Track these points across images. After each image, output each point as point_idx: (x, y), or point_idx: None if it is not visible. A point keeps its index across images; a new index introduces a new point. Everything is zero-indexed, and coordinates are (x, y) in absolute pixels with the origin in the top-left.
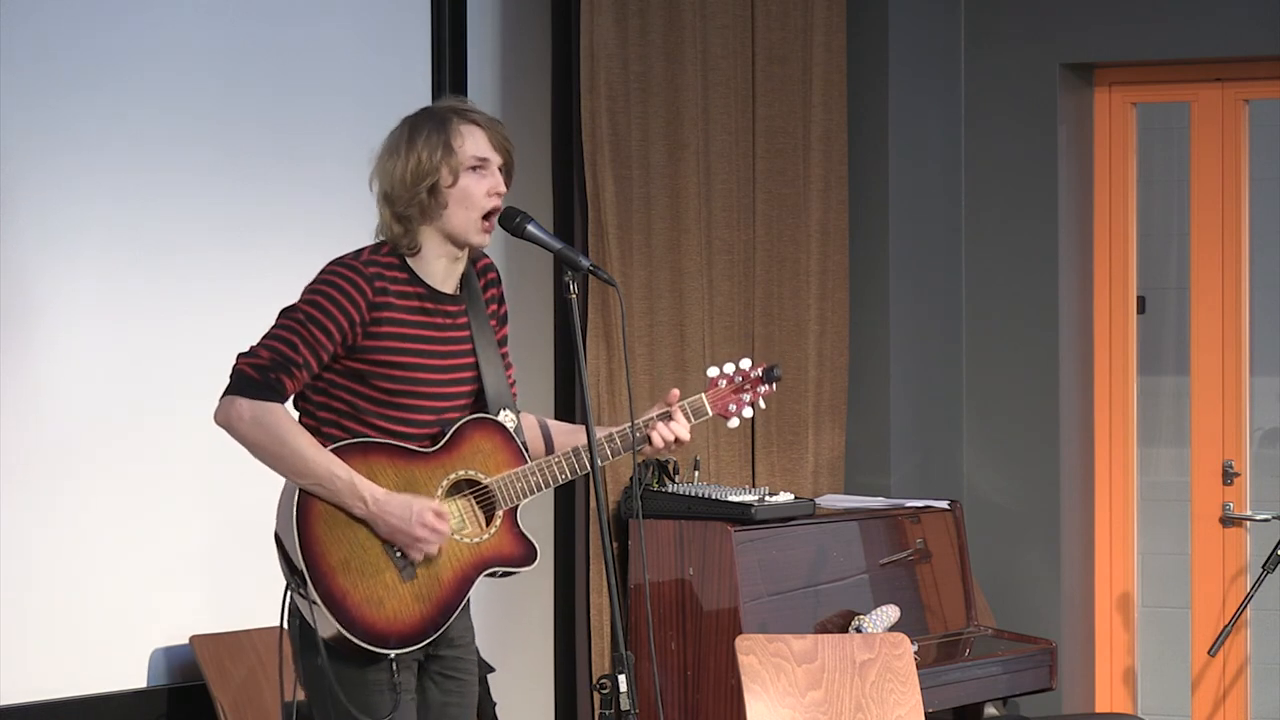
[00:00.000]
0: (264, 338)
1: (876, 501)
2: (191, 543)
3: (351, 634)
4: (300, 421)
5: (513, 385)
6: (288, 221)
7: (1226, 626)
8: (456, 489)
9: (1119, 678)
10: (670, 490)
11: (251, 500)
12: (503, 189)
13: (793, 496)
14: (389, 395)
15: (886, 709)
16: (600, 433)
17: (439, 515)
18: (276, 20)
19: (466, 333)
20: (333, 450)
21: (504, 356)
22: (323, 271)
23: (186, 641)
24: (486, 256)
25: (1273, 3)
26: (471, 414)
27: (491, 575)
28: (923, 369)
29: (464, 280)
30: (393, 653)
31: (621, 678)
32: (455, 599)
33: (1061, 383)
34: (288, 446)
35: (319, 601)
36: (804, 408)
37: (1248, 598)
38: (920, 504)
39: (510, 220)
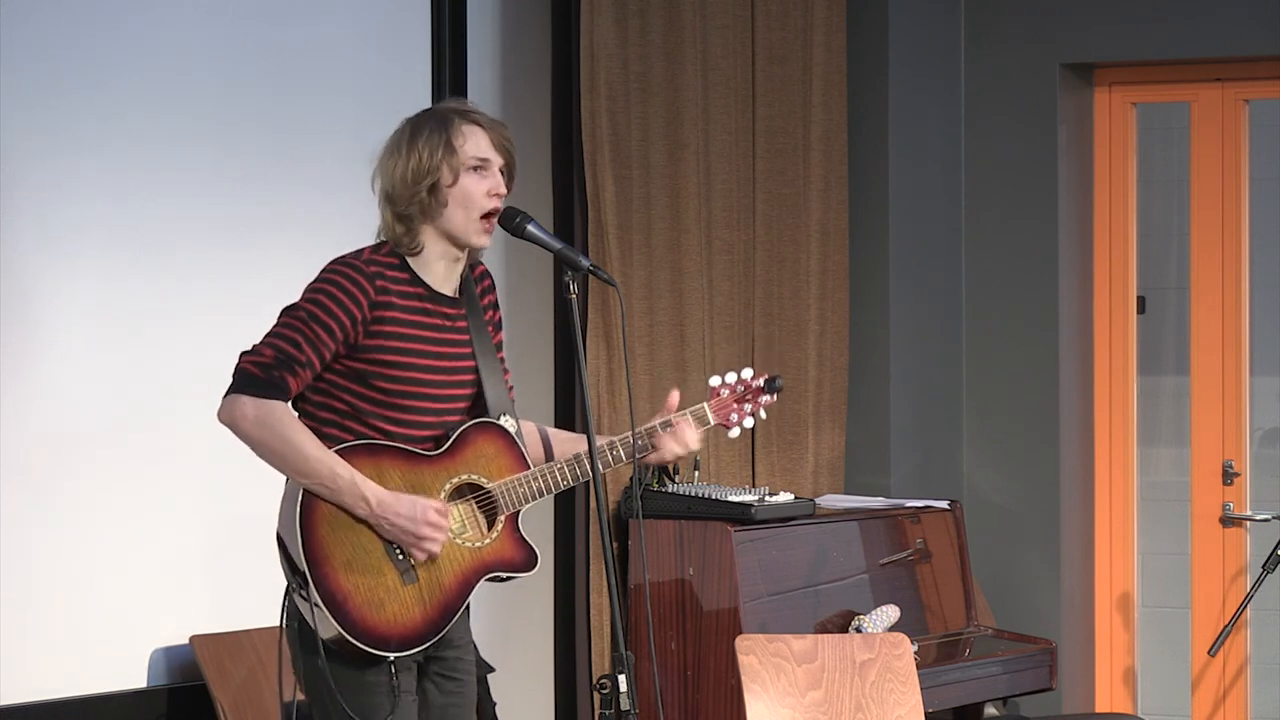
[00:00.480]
0: (267, 336)
1: (876, 501)
2: (192, 543)
3: (352, 636)
4: (301, 422)
5: (510, 392)
6: (288, 221)
7: (1226, 626)
8: (459, 493)
9: (1119, 678)
10: (670, 490)
11: (252, 500)
12: (503, 190)
13: (793, 496)
14: (389, 396)
15: (886, 709)
16: (602, 440)
17: (441, 513)
18: (276, 20)
19: (466, 336)
20: (341, 451)
21: (501, 362)
22: (324, 270)
23: (186, 641)
24: (482, 264)
25: (1273, 3)
26: (473, 417)
27: (492, 580)
28: (923, 369)
29: (462, 285)
30: (392, 655)
31: (621, 678)
32: (456, 602)
33: (1061, 383)
34: (290, 445)
35: (320, 603)
36: (804, 408)
37: (1248, 598)
38: (920, 504)
39: (510, 220)
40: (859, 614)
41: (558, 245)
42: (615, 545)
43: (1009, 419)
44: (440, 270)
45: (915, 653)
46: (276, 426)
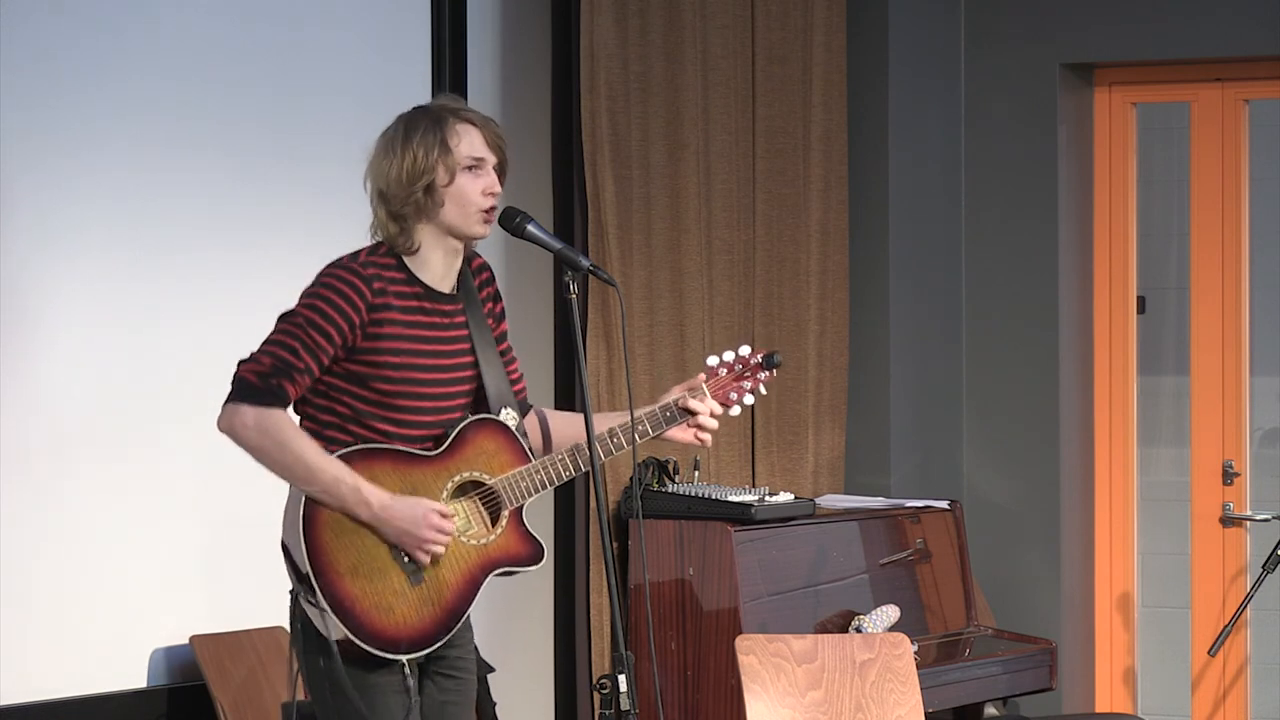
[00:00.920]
0: (264, 344)
1: (876, 501)
2: (191, 543)
3: (361, 640)
4: (302, 426)
5: (520, 380)
6: (287, 222)
7: (1226, 626)
8: (461, 491)
9: (1119, 678)
10: (670, 490)
11: (252, 500)
12: (498, 189)
13: (793, 496)
14: (389, 397)
15: (886, 709)
16: (601, 426)
17: (444, 516)
18: (276, 21)
19: (465, 332)
20: (345, 454)
21: (505, 353)
22: (320, 275)
23: (186, 641)
24: (480, 256)
25: (1273, 3)
26: (473, 414)
27: (500, 575)
28: (923, 369)
29: (460, 280)
30: (404, 658)
31: (621, 678)
32: (464, 601)
33: (1061, 383)
34: (291, 453)
35: (328, 608)
36: (804, 408)
37: (1248, 598)
38: (920, 504)
39: (510, 220)
40: (859, 614)
41: (558, 245)
42: (615, 545)
43: (1009, 419)
44: (438, 267)
45: (915, 653)
46: (277, 434)
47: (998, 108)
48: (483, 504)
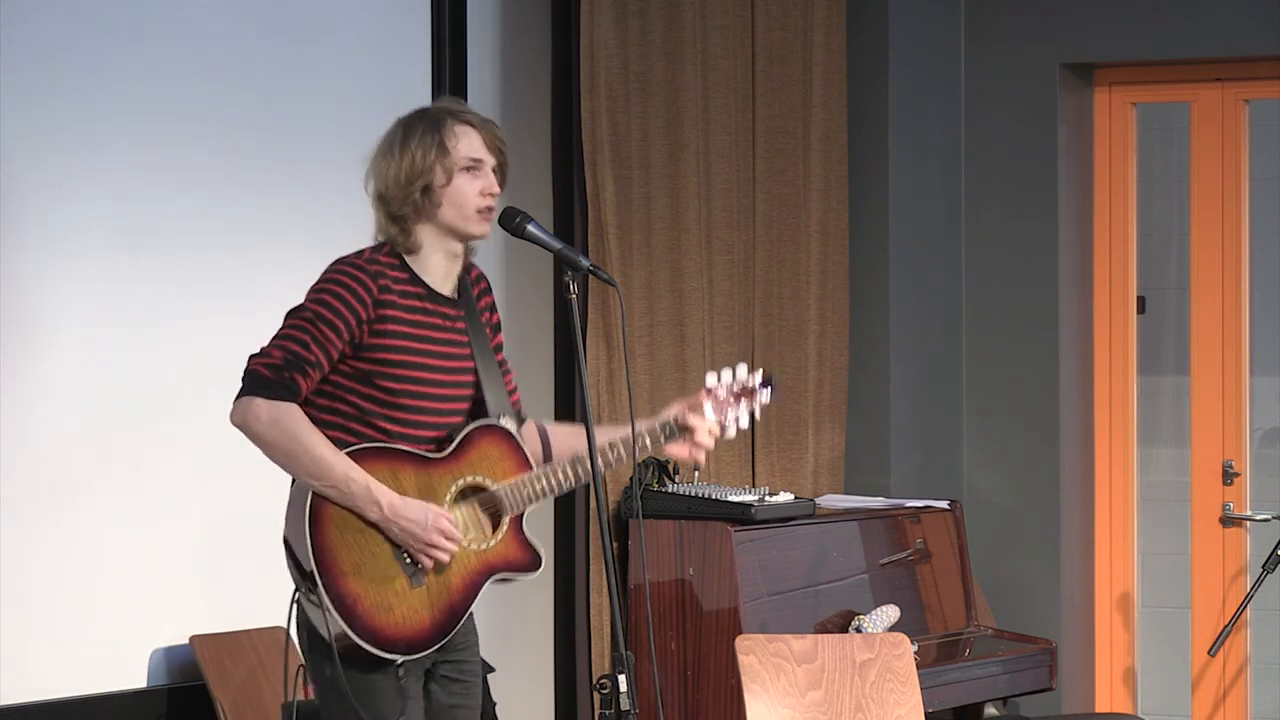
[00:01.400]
0: (275, 338)
1: (876, 501)
2: (191, 543)
3: (361, 639)
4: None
5: (515, 392)
6: (287, 223)
7: (1226, 626)
8: (463, 495)
9: (1119, 678)
10: (670, 490)
11: (252, 500)
12: (496, 189)
13: (793, 496)
14: (393, 395)
15: (886, 709)
16: (601, 439)
17: (453, 523)
18: (276, 22)
19: (465, 337)
20: (354, 453)
21: (501, 364)
22: (327, 271)
23: (186, 641)
24: (477, 267)
25: (1273, 3)
26: (473, 418)
27: (498, 582)
28: (923, 369)
29: (460, 287)
30: (400, 658)
31: (621, 678)
32: (463, 605)
33: (1061, 383)
34: (303, 447)
35: (329, 606)
36: (804, 408)
37: (1248, 598)
38: (920, 504)
39: (510, 220)
40: (859, 614)
41: (558, 245)
42: (615, 545)
43: (1009, 419)
44: (439, 269)
45: (915, 653)
46: (290, 428)
47: (998, 108)
48: (484, 509)
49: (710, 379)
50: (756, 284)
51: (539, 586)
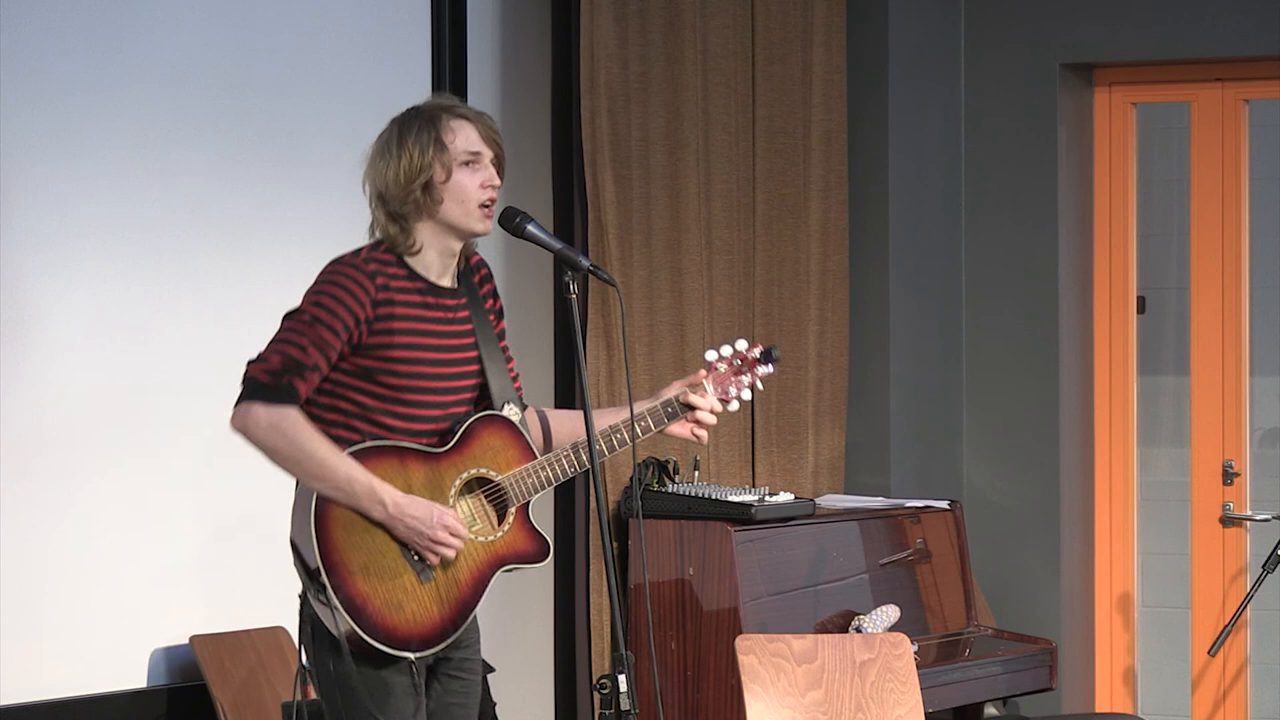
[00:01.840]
0: (272, 342)
1: (876, 501)
2: (191, 543)
3: (373, 638)
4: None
5: (516, 379)
6: (286, 224)
7: (1226, 626)
8: (468, 487)
9: (1119, 678)
10: (670, 490)
11: (252, 501)
12: (496, 181)
13: (793, 496)
14: (396, 391)
15: (886, 709)
16: (603, 422)
17: (458, 520)
18: (275, 23)
19: (469, 326)
20: (363, 451)
21: (504, 350)
22: (323, 273)
23: (186, 641)
24: (478, 253)
25: (1273, 3)
26: (477, 409)
27: (506, 571)
28: (923, 369)
29: (461, 276)
30: (414, 655)
31: (621, 678)
32: (473, 599)
33: (1061, 382)
34: (305, 451)
35: (340, 607)
36: (804, 408)
37: (1248, 598)
38: (920, 504)
39: (510, 220)
40: (859, 614)
41: (558, 245)
42: (615, 545)
43: (1009, 419)
44: (437, 263)
45: (915, 653)
46: (290, 432)
47: (997, 107)
48: (489, 501)
49: (710, 354)
50: (756, 284)
51: (539, 586)
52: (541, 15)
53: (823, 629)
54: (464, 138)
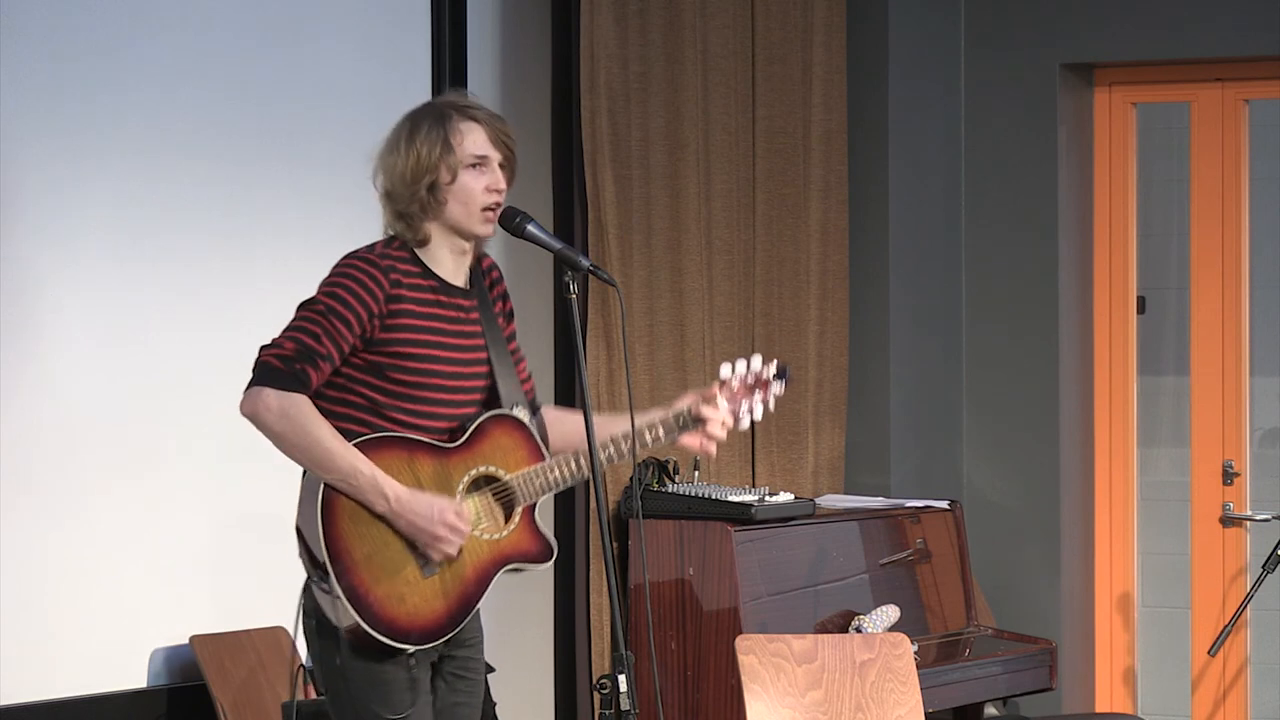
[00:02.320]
0: (286, 330)
1: (876, 501)
2: (192, 543)
3: (373, 629)
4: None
5: (529, 380)
6: (287, 224)
7: (1226, 626)
8: (476, 485)
9: (1119, 678)
10: (670, 490)
11: (252, 500)
12: (503, 185)
13: (793, 496)
14: (406, 388)
15: (886, 709)
16: (615, 429)
17: (459, 515)
18: (275, 25)
19: (479, 327)
20: (373, 443)
21: (514, 352)
22: (338, 265)
23: (186, 641)
24: (489, 256)
25: (1273, 3)
26: (487, 408)
27: (509, 571)
28: (923, 369)
29: (472, 278)
30: (412, 648)
31: (621, 678)
32: (475, 595)
33: (1061, 383)
34: (312, 438)
35: (341, 595)
36: (804, 408)
37: (1248, 598)
38: (920, 504)
39: (510, 220)
40: (859, 614)
41: (558, 245)
42: (615, 545)
43: (1009, 419)
44: (448, 262)
45: (915, 653)
46: (299, 419)
47: (998, 107)
48: (497, 499)
49: (725, 370)
50: (756, 284)
51: (539, 586)
52: (541, 15)
53: (823, 629)
54: (472, 140)
